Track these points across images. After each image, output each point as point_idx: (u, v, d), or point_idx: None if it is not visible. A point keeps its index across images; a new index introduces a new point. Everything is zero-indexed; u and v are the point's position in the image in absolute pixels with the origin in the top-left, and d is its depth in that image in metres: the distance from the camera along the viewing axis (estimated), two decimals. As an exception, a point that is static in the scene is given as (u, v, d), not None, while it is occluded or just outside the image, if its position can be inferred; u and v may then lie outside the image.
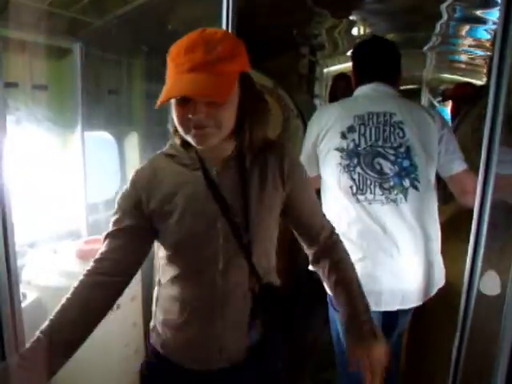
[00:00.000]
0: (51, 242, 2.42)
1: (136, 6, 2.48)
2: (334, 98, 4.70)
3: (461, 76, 6.35)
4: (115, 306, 2.17)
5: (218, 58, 1.08)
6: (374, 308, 1.66)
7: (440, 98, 6.00)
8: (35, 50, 2.37)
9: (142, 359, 2.43)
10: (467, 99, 3.80)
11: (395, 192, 1.93)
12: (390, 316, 2.01)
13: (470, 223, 1.69)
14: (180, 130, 1.17)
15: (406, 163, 1.94)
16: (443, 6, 3.13)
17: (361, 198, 1.94)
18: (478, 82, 5.25)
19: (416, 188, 1.94)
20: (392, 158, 1.94)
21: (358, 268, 1.49)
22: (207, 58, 1.07)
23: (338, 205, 1.98)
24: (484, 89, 3.78)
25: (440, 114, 2.09)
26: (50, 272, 2.17)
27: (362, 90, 2.10)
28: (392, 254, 1.94)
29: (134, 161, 3.16)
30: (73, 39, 2.55)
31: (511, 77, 1.49)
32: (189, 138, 1.17)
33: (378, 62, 2.10)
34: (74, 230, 2.65)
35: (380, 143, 1.95)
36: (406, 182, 1.93)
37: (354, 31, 4.21)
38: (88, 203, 2.73)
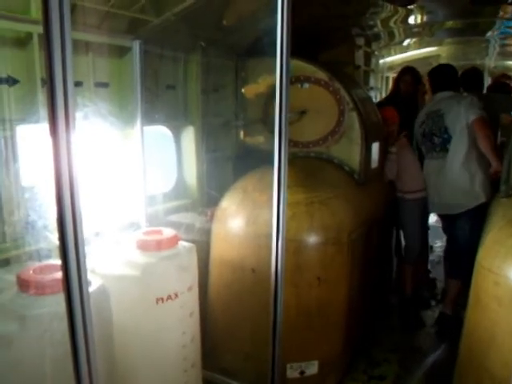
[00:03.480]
0: (113, 233, 2.53)
1: (192, 3, 2.53)
2: (397, 89, 4.59)
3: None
4: (173, 295, 2.26)
5: None
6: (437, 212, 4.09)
7: None
8: (97, 49, 2.49)
9: (197, 347, 2.52)
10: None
11: (441, 153, 3.69)
12: (448, 218, 3.85)
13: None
14: None
15: (445, 136, 3.66)
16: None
17: (427, 156, 3.85)
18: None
19: (451, 150, 3.63)
20: (438, 134, 3.71)
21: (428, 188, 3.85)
22: None
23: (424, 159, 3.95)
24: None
25: (470, 100, 3.57)
26: (112, 261, 2.27)
27: (435, 97, 3.83)
28: (442, 183, 3.69)
29: (191, 154, 3.24)
30: (132, 38, 2.64)
31: None
32: None
33: (444, 79, 3.81)
34: (134, 221, 2.74)
35: (434, 127, 3.74)
36: (446, 147, 3.64)
37: (411, 20, 4.10)
38: (147, 195, 2.82)
